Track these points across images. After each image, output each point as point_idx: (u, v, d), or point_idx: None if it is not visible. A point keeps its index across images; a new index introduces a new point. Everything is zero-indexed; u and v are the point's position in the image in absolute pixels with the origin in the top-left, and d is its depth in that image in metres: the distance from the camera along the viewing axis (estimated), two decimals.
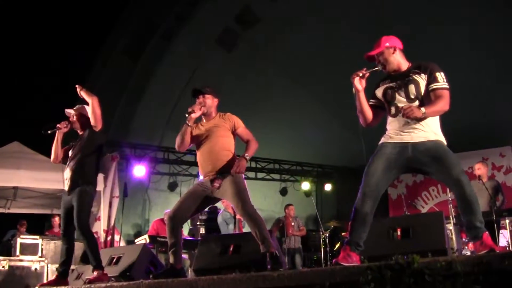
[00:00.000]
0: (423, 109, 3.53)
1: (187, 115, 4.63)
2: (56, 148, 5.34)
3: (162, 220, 9.06)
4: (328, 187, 14.54)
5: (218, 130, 4.69)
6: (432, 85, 3.62)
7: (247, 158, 4.58)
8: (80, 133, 5.38)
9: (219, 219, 9.65)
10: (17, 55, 11.74)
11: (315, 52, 11.55)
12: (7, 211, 10.75)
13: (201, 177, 4.78)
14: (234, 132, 4.76)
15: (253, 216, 4.46)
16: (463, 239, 7.09)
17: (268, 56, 11.98)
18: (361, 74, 3.75)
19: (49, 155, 5.51)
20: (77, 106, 5.41)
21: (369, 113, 3.83)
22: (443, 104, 3.57)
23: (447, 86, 3.62)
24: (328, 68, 11.32)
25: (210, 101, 4.79)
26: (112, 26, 12.05)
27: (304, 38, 11.47)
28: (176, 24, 11.60)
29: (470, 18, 10.09)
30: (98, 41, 12.20)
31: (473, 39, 10.33)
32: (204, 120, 4.82)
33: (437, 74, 3.63)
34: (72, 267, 7.23)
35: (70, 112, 5.40)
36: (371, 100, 3.89)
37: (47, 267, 7.61)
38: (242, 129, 4.76)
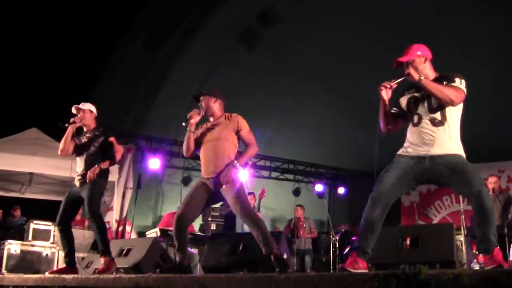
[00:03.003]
0: (422, 76, 3.57)
1: (184, 124, 4.67)
2: (66, 141, 5.37)
3: (174, 214, 9.08)
4: (341, 190, 14.51)
5: (222, 131, 4.64)
6: (448, 83, 3.60)
7: (237, 165, 4.47)
8: (86, 129, 5.48)
9: None
10: (39, 44, 11.87)
11: (335, 54, 11.53)
12: (21, 196, 10.90)
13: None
14: (237, 133, 4.68)
15: (253, 219, 4.43)
16: (474, 251, 7.03)
17: (287, 56, 11.97)
18: (388, 86, 3.73)
19: None
20: (82, 104, 5.48)
21: (390, 120, 3.85)
22: (450, 92, 3.54)
23: (463, 89, 3.58)
24: (348, 70, 11.29)
25: (208, 101, 4.76)
26: (133, 19, 12.11)
27: (325, 39, 11.44)
28: (198, 20, 11.63)
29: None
30: (118, 34, 12.27)
31: (490, 48, 10.22)
32: (211, 120, 4.79)
33: (456, 78, 3.60)
34: (83, 254, 7.37)
35: (78, 108, 5.46)
36: (394, 108, 3.87)
37: (58, 253, 7.68)
38: (244, 131, 4.66)
